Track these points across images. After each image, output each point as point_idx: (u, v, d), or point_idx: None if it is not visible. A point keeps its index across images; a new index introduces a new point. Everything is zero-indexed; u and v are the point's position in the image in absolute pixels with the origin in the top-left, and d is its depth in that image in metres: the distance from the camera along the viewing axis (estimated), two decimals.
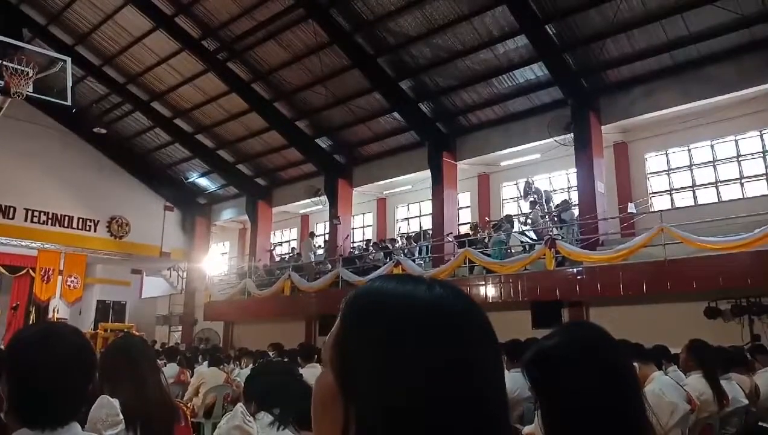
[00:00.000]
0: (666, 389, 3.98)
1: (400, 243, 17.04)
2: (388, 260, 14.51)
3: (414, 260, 14.62)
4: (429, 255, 15.30)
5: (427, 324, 0.78)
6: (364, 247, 17.47)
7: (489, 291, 12.13)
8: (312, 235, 18.21)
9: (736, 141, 12.51)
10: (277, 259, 20.64)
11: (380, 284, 0.82)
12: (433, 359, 0.75)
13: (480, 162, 15.51)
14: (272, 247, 21.04)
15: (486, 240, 13.91)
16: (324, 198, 18.18)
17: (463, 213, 17.31)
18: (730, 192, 12.48)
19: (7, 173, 18.68)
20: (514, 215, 14.88)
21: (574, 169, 13.41)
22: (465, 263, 12.76)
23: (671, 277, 9.88)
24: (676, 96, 11.95)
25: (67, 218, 19.83)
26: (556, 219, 13.10)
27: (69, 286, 20.41)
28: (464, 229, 15.74)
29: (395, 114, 15.37)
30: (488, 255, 12.77)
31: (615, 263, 10.59)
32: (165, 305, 23.48)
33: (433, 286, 0.83)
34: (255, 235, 20.18)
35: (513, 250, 13.57)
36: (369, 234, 19.55)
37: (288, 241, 22.64)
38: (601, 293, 10.73)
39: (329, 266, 16.63)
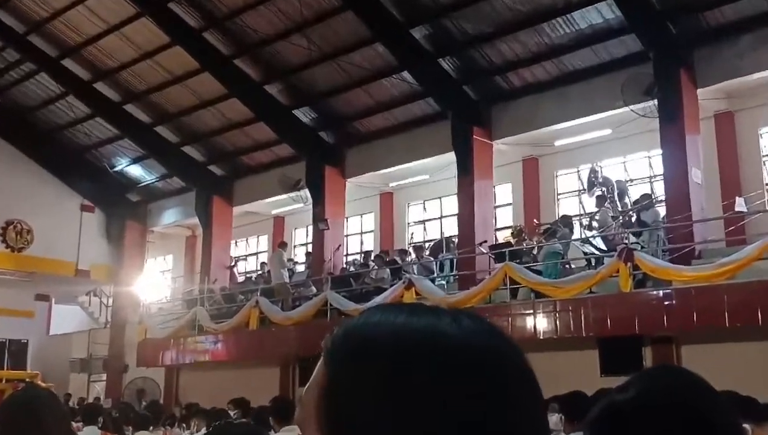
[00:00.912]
0: None
1: (413, 256, 17.07)
2: (395, 280, 14.54)
3: (433, 280, 14.64)
4: (454, 273, 15.34)
5: (453, 372, 0.79)
6: (362, 261, 17.54)
7: (538, 323, 12.13)
8: (283, 245, 18.26)
9: None
10: (241, 278, 20.65)
11: (382, 316, 0.84)
12: (461, 419, 0.77)
13: (526, 141, 15.51)
14: (233, 263, 21.09)
15: (534, 251, 13.92)
16: (305, 193, 18.24)
17: (503, 213, 17.33)
18: None
19: None
20: (574, 216, 14.90)
21: (659, 151, 13.41)
22: (505, 284, 12.78)
23: None
24: None
25: None
26: (633, 220, 13.09)
27: None
28: (504, 236, 15.77)
29: (405, 74, 15.44)
30: (538, 272, 12.78)
31: (718, 283, 10.55)
32: (83, 345, 23.50)
33: (459, 319, 0.83)
34: (209, 246, 20.29)
35: (573, 266, 13.55)
36: (369, 243, 19.63)
37: (256, 254, 22.66)
38: (697, 325, 10.69)
39: (313, 289, 16.64)
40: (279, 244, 18.52)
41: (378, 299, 13.55)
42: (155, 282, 23.31)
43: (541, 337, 11.96)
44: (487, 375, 0.80)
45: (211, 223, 20.26)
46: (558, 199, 16.48)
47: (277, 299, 16.66)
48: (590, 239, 13.39)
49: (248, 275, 20.82)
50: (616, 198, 14.10)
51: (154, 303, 21.48)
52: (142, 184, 22.35)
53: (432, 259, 15.94)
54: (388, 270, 15.54)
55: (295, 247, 21.06)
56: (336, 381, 0.82)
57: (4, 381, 15.15)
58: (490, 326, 0.86)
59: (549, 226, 14.14)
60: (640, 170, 15.39)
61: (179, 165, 20.34)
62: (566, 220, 13.91)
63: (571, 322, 11.78)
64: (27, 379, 16.92)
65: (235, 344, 16.94)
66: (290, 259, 19.18)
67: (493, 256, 13.92)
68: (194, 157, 20.27)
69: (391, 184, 18.74)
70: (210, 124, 19.10)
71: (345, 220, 18.68)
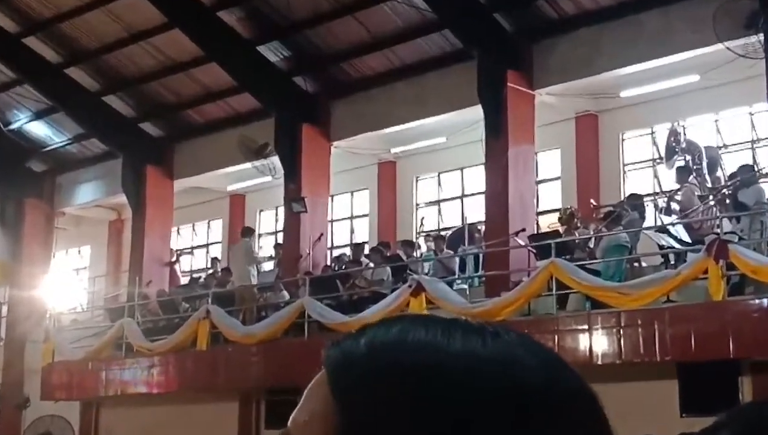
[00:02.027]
0: None
1: (423, 249, 16.98)
2: (398, 283, 14.53)
3: (451, 283, 14.62)
4: (479, 273, 15.33)
5: (491, 409, 0.81)
6: (353, 256, 17.48)
7: (596, 344, 12.16)
8: (248, 232, 18.25)
9: None
10: (185, 280, 20.64)
11: (401, 334, 0.86)
12: None
13: (580, 90, 15.52)
14: (175, 258, 21.17)
15: (591, 243, 13.91)
16: (274, 162, 18.25)
17: (548, 190, 17.34)
18: None
19: None
20: (646, 196, 14.90)
21: (765, 105, 13.37)
22: (550, 289, 12.78)
23: None
24: None
25: None
26: (728, 202, 13.05)
27: None
28: (549, 223, 15.76)
29: None
30: (595, 272, 12.79)
31: None
32: None
33: (496, 337, 0.85)
34: (141, 235, 20.30)
35: (644, 264, 13.57)
36: (363, 232, 19.63)
37: (206, 246, 22.69)
38: None
39: (285, 294, 16.68)
40: (243, 230, 18.49)
41: (376, 309, 13.55)
42: (67, 284, 23.26)
43: (599, 363, 11.99)
44: (540, 413, 0.81)
45: (144, 202, 20.23)
46: (624, 172, 16.47)
47: (236, 308, 16.66)
48: (668, 227, 13.34)
49: (195, 275, 20.79)
50: (705, 170, 14.03)
51: (66, 313, 21.40)
52: (48, 149, 22.31)
53: (450, 253, 15.93)
54: (388, 269, 15.52)
55: (260, 236, 21.05)
56: (359, 421, 0.82)
57: None
58: (534, 343, 0.87)
59: (611, 208, 14.11)
60: (738, 132, 15.33)
61: (100, 122, 20.26)
62: (635, 201, 13.88)
63: (641, 341, 11.78)
64: None
65: (178, 370, 16.94)
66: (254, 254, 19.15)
67: (534, 251, 13.90)
68: (120, 112, 20.22)
69: (393, 151, 18.71)
70: (142, 66, 19.05)
71: (329, 199, 18.67)
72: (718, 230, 12.07)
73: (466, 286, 15.00)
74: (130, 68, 19.26)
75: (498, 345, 0.85)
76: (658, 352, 11.68)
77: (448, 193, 18.85)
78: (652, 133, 16.00)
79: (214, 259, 20.44)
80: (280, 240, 19.20)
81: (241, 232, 18.45)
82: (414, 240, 17.71)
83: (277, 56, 17.61)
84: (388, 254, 16.19)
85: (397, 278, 14.98)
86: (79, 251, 24.77)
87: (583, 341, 12.26)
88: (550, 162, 17.13)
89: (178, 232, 22.16)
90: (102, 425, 19.80)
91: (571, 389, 0.84)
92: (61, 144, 22.11)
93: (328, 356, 0.86)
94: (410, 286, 13.69)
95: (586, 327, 12.28)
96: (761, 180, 13.33)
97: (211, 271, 19.60)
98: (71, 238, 23.96)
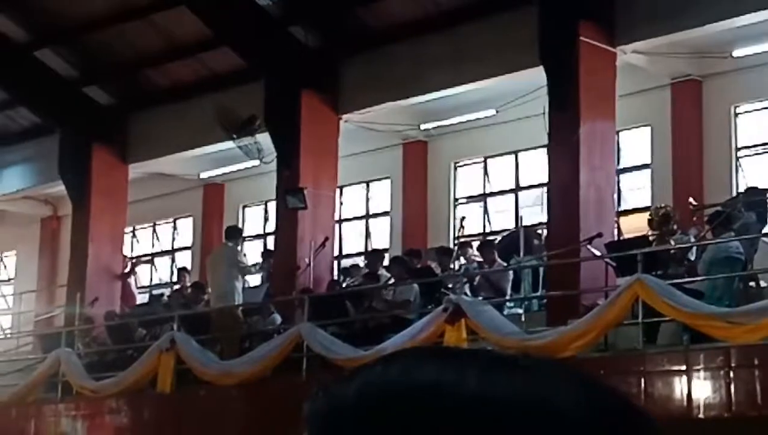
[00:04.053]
0: None
1: (462, 260, 16.93)
2: (429, 306, 14.45)
3: (500, 306, 14.64)
4: (539, 293, 15.38)
5: None
6: (368, 268, 17.50)
7: (697, 389, 12.06)
8: (235, 233, 18.21)
9: None
10: (142, 297, 20.82)
11: (402, 376, 0.87)
12: None
13: (677, 48, 15.56)
14: (129, 267, 21.28)
15: (692, 255, 13.87)
16: (262, 140, 18.39)
17: (633, 182, 17.46)
18: None
19: None
20: None
21: None
22: (635, 316, 12.75)
23: None
24: None
25: None
26: None
27: None
28: (634, 225, 15.76)
29: None
30: (696, 294, 12.73)
31: None
32: None
33: (529, 373, 0.86)
34: (85, 236, 20.40)
35: (762, 283, 13.54)
36: (382, 235, 19.92)
37: (171, 252, 23.05)
38: None
39: (275, 317, 16.76)
40: (227, 231, 18.51)
41: (399, 340, 13.52)
42: None
43: (701, 416, 11.92)
44: None
45: (89, 194, 20.30)
46: (737, 159, 16.41)
47: (210, 337, 16.69)
48: None
49: (156, 292, 20.85)
50: None
51: None
52: None
53: (502, 265, 15.86)
54: (416, 286, 15.54)
55: (244, 239, 21.05)
56: None
57: None
58: (620, 399, 0.88)
59: (719, 208, 14.05)
60: None
61: (31, 85, 20.39)
62: (752, 198, 13.85)
63: (758, 388, 11.69)
64: None
65: (132, 420, 16.96)
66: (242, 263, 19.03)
67: (614, 264, 13.89)
68: (57, 71, 20.33)
69: (423, 126, 18.76)
70: (87, 9, 19.13)
71: (337, 191, 18.71)
72: None
73: (521, 311, 15.02)
74: (71, 12, 19.30)
75: (530, 386, 0.85)
76: None
77: (496, 185, 18.84)
78: None
79: (182, 270, 20.47)
80: (271, 246, 19.21)
81: (225, 234, 18.43)
82: (451, 247, 17.66)
83: None
84: (416, 266, 16.17)
85: (428, 299, 14.97)
86: (1, 258, 24.85)
87: (678, 387, 12.20)
88: (637, 144, 17.09)
89: (134, 234, 22.23)
90: None
91: None
92: None
93: (310, 410, 0.88)
94: (445, 310, 13.70)
95: (683, 368, 12.23)
96: None
97: (177, 287, 19.63)
98: None
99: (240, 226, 20.44)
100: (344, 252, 19.71)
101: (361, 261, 18.73)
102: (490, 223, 18.81)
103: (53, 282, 22.72)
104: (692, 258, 13.81)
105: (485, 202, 19.03)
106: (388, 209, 19.89)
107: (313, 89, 17.80)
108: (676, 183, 16.30)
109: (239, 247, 17.99)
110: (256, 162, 18.72)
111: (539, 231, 16.38)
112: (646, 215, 15.51)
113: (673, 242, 14.12)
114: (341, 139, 18.17)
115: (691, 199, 15.44)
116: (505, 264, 15.90)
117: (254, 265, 19.23)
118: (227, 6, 17.59)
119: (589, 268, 14.67)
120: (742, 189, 14.77)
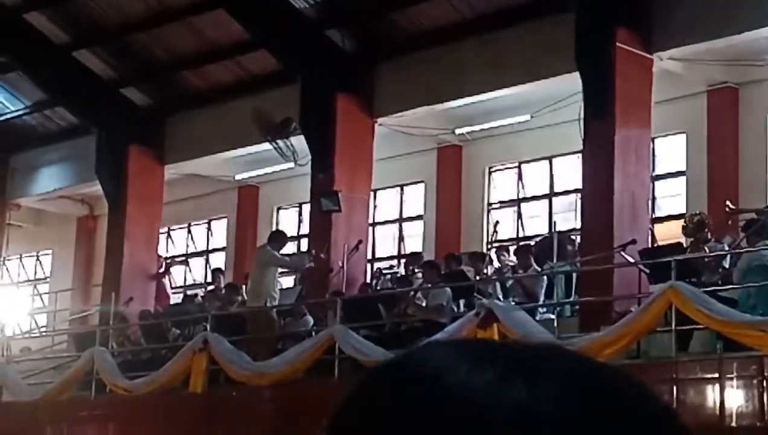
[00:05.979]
0: None
1: (496, 264, 16.85)
2: (463, 310, 14.47)
3: (533, 311, 14.66)
4: (572, 298, 15.41)
5: None
6: (402, 271, 17.71)
7: (730, 398, 12.03)
8: (279, 237, 18.11)
9: None
10: (176, 297, 21.06)
11: (430, 383, 0.84)
12: None
13: (714, 54, 15.54)
14: (164, 268, 21.47)
15: (726, 262, 13.79)
16: (297, 143, 18.41)
17: (668, 189, 17.42)
18: None
19: None
20: None
21: None
22: (668, 323, 12.73)
23: None
24: None
25: None
26: None
27: None
28: (669, 232, 15.70)
29: None
30: (731, 302, 12.68)
31: None
32: None
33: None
34: (120, 236, 20.50)
35: None
36: (415, 239, 19.91)
37: (205, 253, 23.16)
38: None
39: (308, 319, 16.78)
40: (273, 235, 18.38)
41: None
42: (18, 300, 23.49)
43: (733, 425, 11.88)
44: None
45: (125, 194, 20.39)
46: None
47: (245, 337, 16.71)
48: None
49: (191, 292, 20.91)
50: None
51: (16, 337, 21.59)
52: None
53: (534, 271, 15.85)
54: (448, 290, 15.54)
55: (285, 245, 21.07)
56: None
57: None
58: (647, 391, 0.87)
59: (755, 214, 13.99)
60: None
61: (68, 85, 20.44)
62: None
63: None
64: None
65: (164, 418, 17.01)
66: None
67: (648, 271, 13.87)
68: (96, 72, 20.39)
69: (458, 131, 18.72)
70: (126, 11, 19.21)
71: (371, 195, 18.74)
72: None
73: (553, 316, 14.98)
74: (110, 14, 19.41)
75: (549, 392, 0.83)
76: None
77: (531, 190, 18.81)
78: None
79: (217, 271, 20.50)
80: (304, 247, 19.22)
81: (273, 236, 18.17)
82: (484, 251, 17.64)
83: (305, 3, 17.65)
84: (450, 271, 16.16)
85: (462, 303, 14.96)
86: (38, 257, 24.96)
87: (711, 395, 12.15)
88: (672, 151, 17.01)
89: (169, 235, 22.30)
90: None
91: None
92: (15, 113, 22.33)
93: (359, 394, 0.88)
94: (477, 314, 13.71)
95: (716, 375, 12.18)
96: None
97: (211, 287, 19.66)
98: (28, 238, 24.22)
99: (282, 229, 20.23)
100: (377, 255, 19.71)
101: (394, 264, 18.71)
102: (523, 229, 18.78)
103: (88, 281, 22.83)
104: (727, 266, 13.76)
105: (519, 207, 19.01)
106: (421, 213, 19.89)
107: (348, 92, 17.84)
108: (711, 190, 16.24)
109: (275, 253, 17.64)
110: (291, 164, 18.76)
111: (572, 237, 16.34)
112: (680, 222, 15.45)
113: (707, 249, 14.08)
114: (376, 142, 18.20)
115: (728, 203, 15.38)
116: (539, 269, 15.89)
117: (294, 255, 19.14)
118: (265, 9, 17.64)
119: (623, 274, 14.66)
120: None
